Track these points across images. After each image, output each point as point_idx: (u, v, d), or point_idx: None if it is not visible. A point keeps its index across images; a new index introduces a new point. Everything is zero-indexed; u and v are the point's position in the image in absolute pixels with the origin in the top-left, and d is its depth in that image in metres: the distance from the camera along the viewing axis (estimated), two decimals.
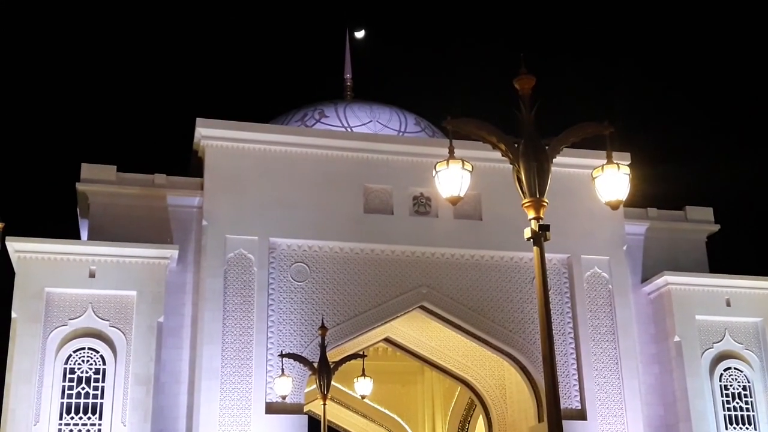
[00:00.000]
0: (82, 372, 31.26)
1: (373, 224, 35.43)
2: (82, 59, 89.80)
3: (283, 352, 31.44)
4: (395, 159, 36.20)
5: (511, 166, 12.71)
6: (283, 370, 31.07)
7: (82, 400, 30.97)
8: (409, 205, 36.05)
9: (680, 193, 42.72)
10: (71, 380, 31.08)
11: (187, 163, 37.16)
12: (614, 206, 12.91)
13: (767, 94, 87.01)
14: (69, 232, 37.48)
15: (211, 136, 35.00)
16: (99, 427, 30.70)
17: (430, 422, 48.57)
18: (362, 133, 38.01)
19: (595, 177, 12.67)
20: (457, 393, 44.69)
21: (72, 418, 30.71)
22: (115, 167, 35.29)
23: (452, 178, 12.66)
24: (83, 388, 31.09)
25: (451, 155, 12.75)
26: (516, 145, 12.61)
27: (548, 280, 12.64)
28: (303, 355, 30.99)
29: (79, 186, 35.09)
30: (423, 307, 35.47)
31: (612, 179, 12.54)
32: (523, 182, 12.44)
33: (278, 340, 33.23)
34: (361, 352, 32.79)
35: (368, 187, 35.91)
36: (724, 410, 36.20)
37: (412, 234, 35.58)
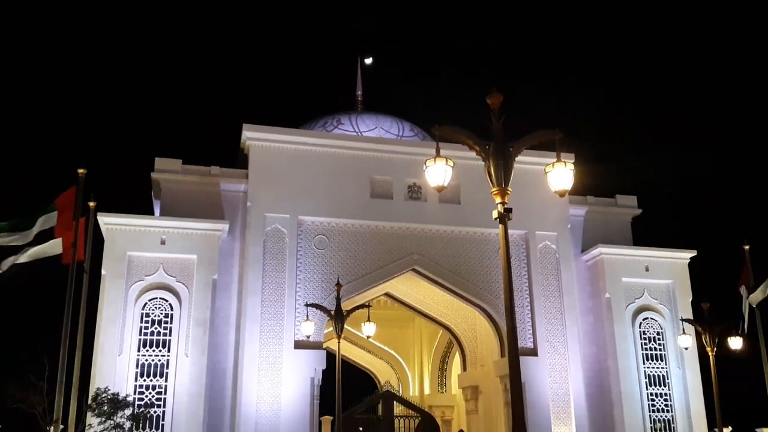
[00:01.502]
0: (155, 316, 31.49)
1: (377, 206, 35.49)
2: (155, 79, 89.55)
3: (308, 303, 31.63)
4: (394, 157, 36.20)
5: (484, 163, 12.81)
6: (307, 316, 31.30)
7: (155, 337, 31.24)
8: (405, 192, 36.08)
9: (612, 185, 42.77)
10: (146, 322, 31.33)
11: (235, 157, 37.20)
12: (561, 194, 13.05)
13: (680, 108, 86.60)
14: (146, 209, 37.58)
15: (254, 137, 34.97)
16: (168, 358, 30.95)
17: (419, 357, 48.90)
18: (369, 137, 37.98)
19: (548, 171, 12.82)
20: (439, 335, 44.96)
21: (147, 350, 30.98)
22: (180, 160, 35.32)
23: (438, 172, 12.82)
24: (155, 328, 31.34)
25: (438, 154, 12.87)
26: (487, 147, 12.74)
27: (510, 250, 12.77)
28: (323, 304, 31.09)
29: (154, 175, 35.18)
30: (414, 270, 35.58)
31: (560, 173, 12.69)
32: (492, 175, 12.58)
33: (304, 293, 33.39)
34: (367, 303, 32.87)
35: (374, 177, 35.93)
36: (642, 350, 36.43)
37: (407, 214, 35.66)
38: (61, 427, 21.85)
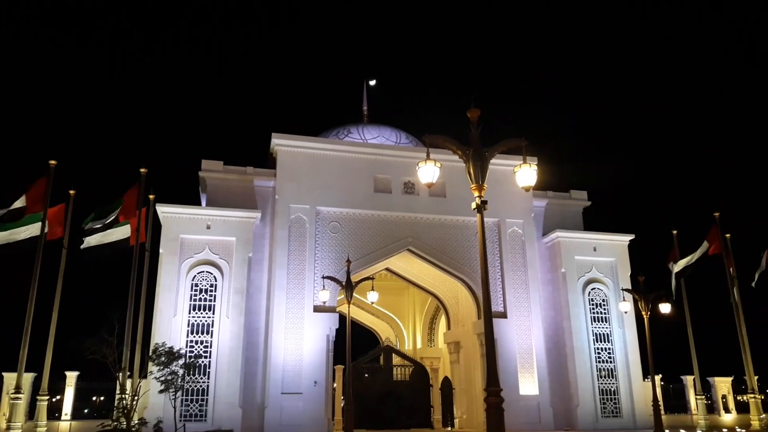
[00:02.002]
0: (202, 286, 31.56)
1: (379, 199, 35.47)
2: (204, 93, 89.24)
3: (324, 275, 31.73)
4: (393, 160, 36.15)
5: (465, 164, 12.82)
6: (324, 286, 31.40)
7: (202, 303, 31.32)
8: (401, 188, 36.03)
9: (567, 181, 42.76)
10: (195, 290, 31.41)
11: (266, 159, 37.14)
12: (527, 189, 13.07)
13: (623, 119, 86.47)
14: (194, 201, 37.58)
15: (281, 144, 34.92)
16: (212, 319, 31.06)
17: (413, 318, 49.03)
18: (373, 144, 37.85)
19: (516, 171, 12.80)
20: (429, 301, 45.06)
21: (196, 313, 31.08)
22: (222, 162, 35.25)
23: (428, 172, 12.82)
24: (203, 296, 31.42)
25: (428, 157, 12.88)
26: (467, 151, 12.74)
27: (485, 234, 12.79)
28: (336, 277, 31.21)
29: (201, 173, 35.14)
30: (409, 250, 35.61)
31: (525, 173, 12.70)
32: (471, 174, 12.59)
33: (321, 268, 33.45)
34: (371, 276, 32.99)
35: (376, 176, 35.88)
36: (590, 313, 36.44)
37: (403, 205, 35.64)
38: (128, 372, 21.99)
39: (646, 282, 28.48)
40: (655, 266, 35.02)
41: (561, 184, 40.70)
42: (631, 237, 38.09)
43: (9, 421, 21.90)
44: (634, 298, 29.30)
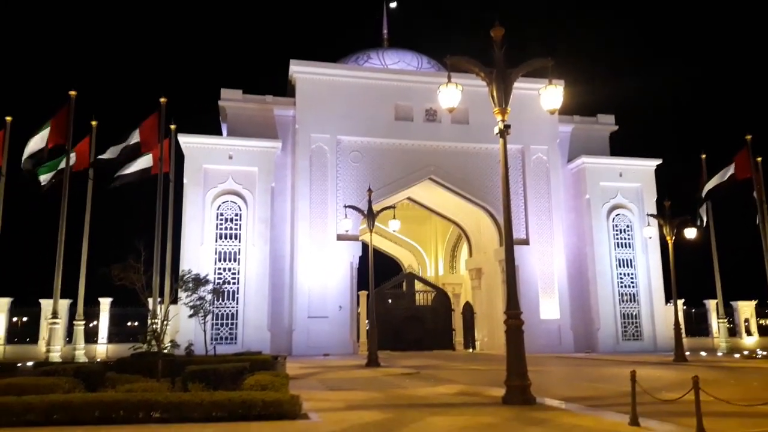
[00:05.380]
0: (227, 215, 31.97)
1: (400, 127, 34.96)
2: (220, 20, 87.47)
3: (346, 204, 31.78)
4: (414, 86, 35.30)
5: (488, 87, 12.37)
6: (346, 215, 31.45)
7: (228, 231, 31.83)
8: (423, 115, 35.41)
9: (593, 105, 41.45)
10: (221, 220, 31.86)
11: (285, 87, 36.59)
12: (552, 112, 12.61)
13: (651, 34, 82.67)
14: (215, 131, 37.46)
15: (300, 71, 34.26)
16: (239, 247, 31.64)
17: (435, 246, 49.43)
18: (394, 69, 36.96)
19: (541, 93, 12.30)
20: (450, 229, 45.16)
21: (222, 242, 31.66)
22: (241, 91, 34.89)
23: (449, 95, 12.39)
24: (228, 225, 31.89)
25: (449, 80, 12.41)
26: (491, 73, 12.23)
27: (508, 161, 12.47)
28: (358, 206, 31.25)
29: (220, 103, 34.90)
30: (431, 179, 35.38)
31: (551, 95, 12.20)
32: (494, 97, 12.14)
33: (343, 197, 33.52)
34: (393, 205, 32.89)
35: (397, 103, 35.22)
36: (614, 239, 36.33)
37: (425, 133, 35.13)
38: (159, 299, 22.75)
39: (672, 207, 27.98)
40: (682, 192, 34.34)
41: (587, 109, 39.61)
42: (658, 162, 37.25)
43: (48, 344, 23.00)
44: (659, 224, 28.87)
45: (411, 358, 28.96)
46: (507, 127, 12.02)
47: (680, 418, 8.88)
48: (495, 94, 12.06)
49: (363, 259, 33.58)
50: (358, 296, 35.91)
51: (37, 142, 23.43)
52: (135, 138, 24.46)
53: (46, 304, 28.03)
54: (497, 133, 12.13)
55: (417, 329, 38.37)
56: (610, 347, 34.46)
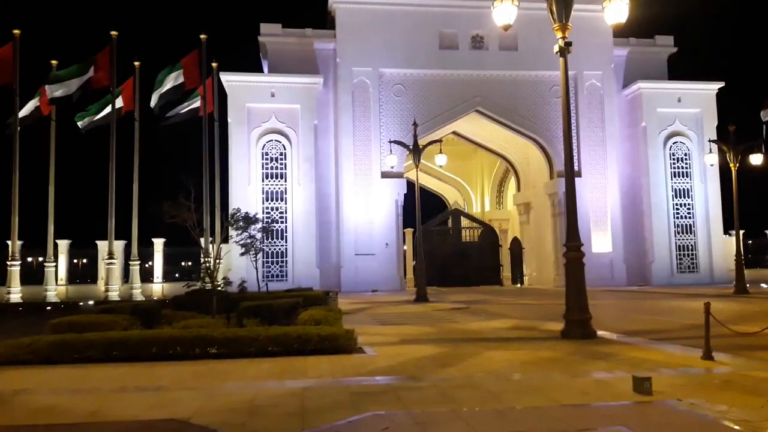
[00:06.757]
0: (272, 155, 31.89)
1: (445, 57, 33.62)
2: None
3: (391, 140, 31.13)
4: (459, 11, 33.67)
5: (545, 4, 11.33)
6: (390, 150, 30.88)
7: (274, 171, 31.83)
8: (469, 43, 33.91)
9: (652, 26, 38.69)
10: (266, 159, 31.82)
11: (325, 20, 35.46)
12: (616, 27, 11.50)
13: None
14: (256, 68, 36.88)
15: (340, 1, 33.04)
16: (285, 186, 31.71)
17: (481, 182, 48.52)
18: None
19: (605, 6, 11.22)
20: (497, 164, 44.11)
21: (269, 181, 31.75)
22: (280, 24, 34.01)
23: (504, 12, 11.41)
24: (274, 164, 31.88)
25: None
26: None
27: (564, 86, 11.58)
28: (403, 141, 30.60)
29: (260, 38, 34.15)
30: (477, 111, 34.24)
31: (617, 6, 11.08)
32: (554, 11, 11.13)
33: (387, 133, 32.86)
34: (439, 139, 32.12)
35: (441, 31, 33.76)
36: (671, 168, 34.75)
37: (471, 62, 33.72)
38: (210, 238, 23.00)
39: (735, 133, 26.22)
40: (745, 117, 32.27)
41: (644, 30, 37.10)
42: (720, 85, 34.96)
43: (107, 284, 23.77)
44: (720, 150, 27.22)
45: (459, 294, 28.88)
46: (568, 44, 11.08)
47: (755, 352, 8.31)
48: (554, 8, 11.04)
49: (408, 196, 33.24)
50: (403, 234, 35.80)
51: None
52: (180, 78, 24.18)
53: (102, 246, 28.90)
54: (557, 52, 11.21)
55: (464, 265, 38.18)
56: (665, 280, 33.53)
